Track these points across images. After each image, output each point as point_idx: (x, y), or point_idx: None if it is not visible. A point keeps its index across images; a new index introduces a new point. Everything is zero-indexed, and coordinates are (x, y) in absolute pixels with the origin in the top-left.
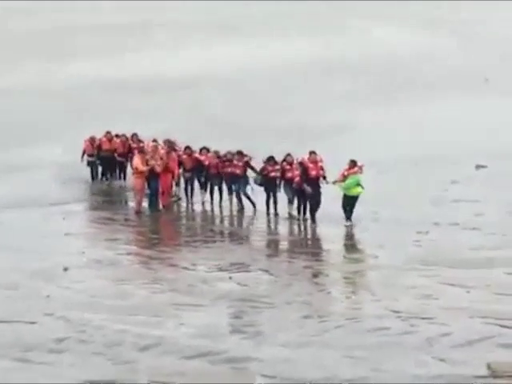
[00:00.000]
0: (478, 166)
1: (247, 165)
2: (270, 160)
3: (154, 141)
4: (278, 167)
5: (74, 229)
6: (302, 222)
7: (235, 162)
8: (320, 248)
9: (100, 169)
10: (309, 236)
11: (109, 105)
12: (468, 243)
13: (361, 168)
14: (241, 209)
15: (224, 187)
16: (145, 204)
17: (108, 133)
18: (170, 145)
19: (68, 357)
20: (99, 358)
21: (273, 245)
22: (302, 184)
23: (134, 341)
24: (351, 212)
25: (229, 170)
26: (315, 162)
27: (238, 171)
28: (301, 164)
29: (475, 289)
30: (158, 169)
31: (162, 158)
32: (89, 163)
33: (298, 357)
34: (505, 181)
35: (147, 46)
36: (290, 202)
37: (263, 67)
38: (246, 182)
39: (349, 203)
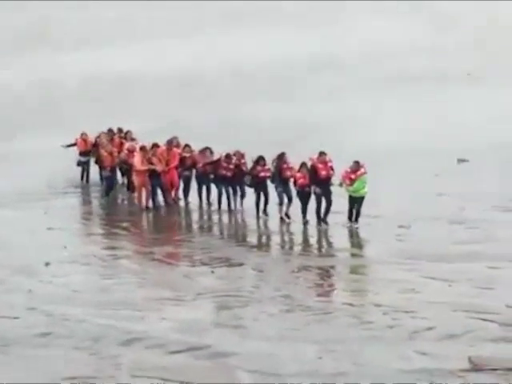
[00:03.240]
0: (460, 160)
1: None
2: (260, 160)
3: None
4: (267, 167)
5: (57, 224)
6: (301, 224)
7: (225, 164)
8: (302, 243)
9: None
10: (293, 233)
11: (111, 99)
12: (450, 237)
13: (364, 167)
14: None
15: (213, 186)
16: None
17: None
18: (171, 143)
19: (51, 351)
20: (82, 352)
21: (256, 241)
22: (308, 185)
23: (116, 335)
24: (358, 213)
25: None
26: (325, 163)
27: (229, 174)
28: (310, 165)
29: (457, 283)
30: (159, 168)
31: (162, 156)
32: (79, 163)
33: (280, 351)
34: (486, 175)
35: (144, 40)
36: (285, 201)
37: (257, 62)
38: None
39: (355, 204)
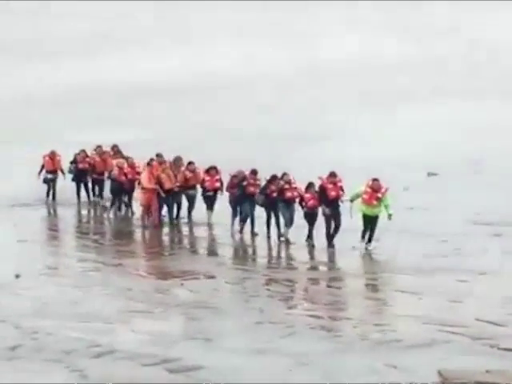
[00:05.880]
0: (430, 174)
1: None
2: (274, 179)
3: (158, 155)
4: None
5: (27, 236)
6: (310, 247)
7: (252, 181)
8: (274, 256)
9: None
10: (270, 248)
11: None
12: (420, 250)
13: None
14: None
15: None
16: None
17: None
18: (177, 162)
19: (21, 365)
20: (52, 365)
21: (230, 255)
22: (318, 206)
23: (87, 348)
24: (373, 233)
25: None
26: (335, 183)
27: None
28: (319, 186)
29: (427, 296)
30: (168, 185)
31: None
32: (46, 180)
33: (250, 364)
34: (455, 188)
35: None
36: (287, 225)
37: (250, 75)
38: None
39: (370, 223)
